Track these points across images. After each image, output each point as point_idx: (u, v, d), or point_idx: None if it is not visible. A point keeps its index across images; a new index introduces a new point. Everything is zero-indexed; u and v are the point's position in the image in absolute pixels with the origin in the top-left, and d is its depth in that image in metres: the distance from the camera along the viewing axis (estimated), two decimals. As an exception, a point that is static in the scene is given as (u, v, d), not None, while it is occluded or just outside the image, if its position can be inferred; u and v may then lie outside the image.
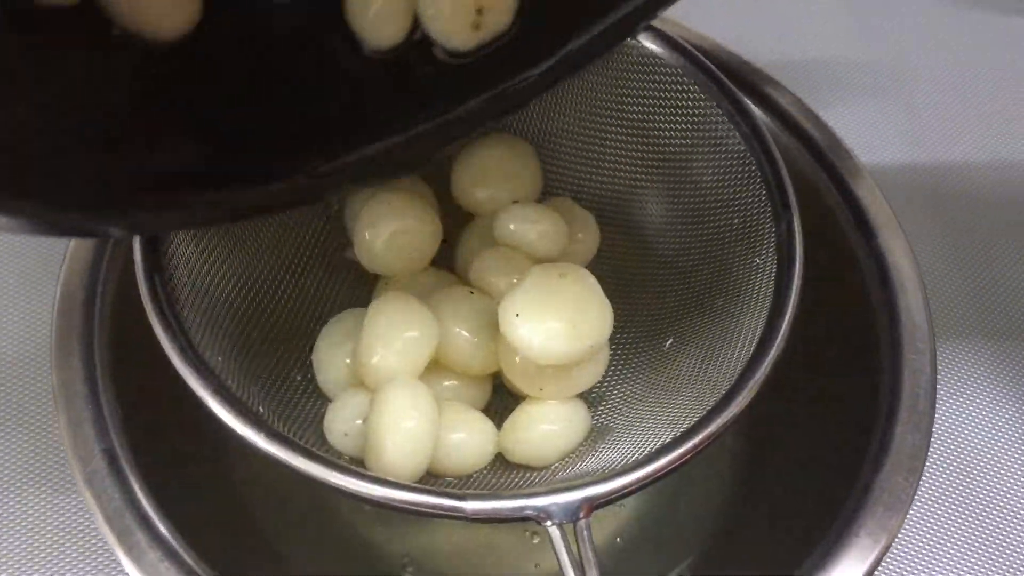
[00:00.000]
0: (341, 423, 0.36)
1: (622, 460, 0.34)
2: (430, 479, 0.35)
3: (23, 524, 0.41)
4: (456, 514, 0.29)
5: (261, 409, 0.34)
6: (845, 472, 0.36)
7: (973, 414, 0.48)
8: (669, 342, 0.40)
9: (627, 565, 0.42)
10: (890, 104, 0.60)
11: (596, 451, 0.36)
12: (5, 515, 0.41)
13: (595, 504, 0.30)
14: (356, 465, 0.36)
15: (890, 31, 0.64)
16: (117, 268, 0.37)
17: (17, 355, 0.46)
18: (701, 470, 0.43)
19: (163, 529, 0.32)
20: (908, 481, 0.35)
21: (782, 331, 0.34)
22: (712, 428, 0.32)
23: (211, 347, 0.34)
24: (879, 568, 0.34)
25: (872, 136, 0.58)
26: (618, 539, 0.43)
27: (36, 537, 0.41)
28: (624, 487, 0.30)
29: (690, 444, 0.31)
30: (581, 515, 0.30)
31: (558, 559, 0.29)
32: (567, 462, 0.36)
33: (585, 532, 0.29)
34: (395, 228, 0.38)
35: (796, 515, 0.38)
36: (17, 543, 0.41)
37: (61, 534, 0.41)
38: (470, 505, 0.29)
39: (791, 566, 0.34)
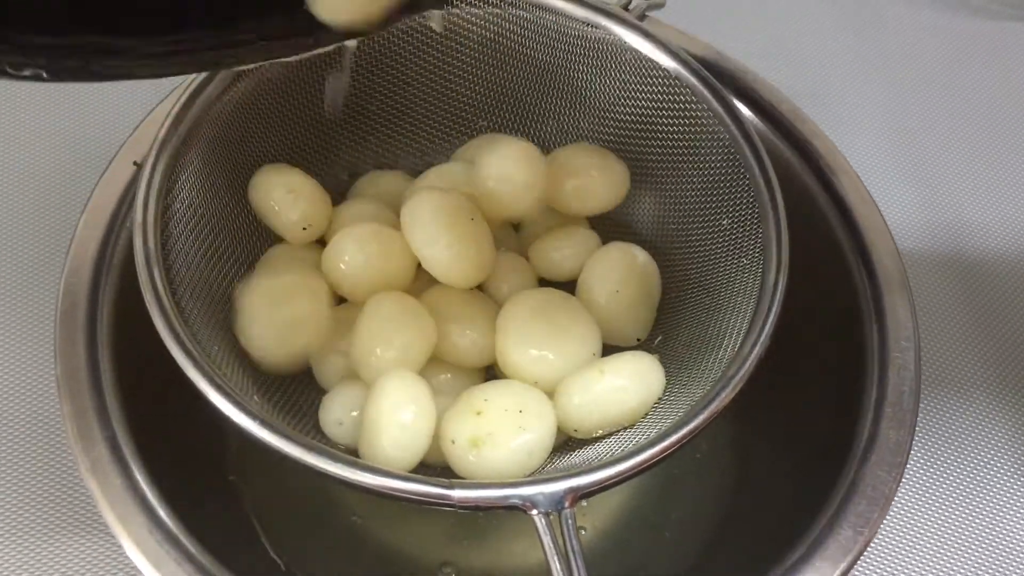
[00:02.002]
0: (336, 412, 0.37)
1: (608, 452, 0.35)
2: (423, 469, 0.36)
3: (27, 511, 0.42)
4: (444, 502, 0.30)
5: (256, 397, 0.35)
6: (830, 466, 0.37)
7: (957, 410, 0.49)
8: (658, 339, 0.41)
9: (615, 557, 0.42)
10: (883, 108, 0.61)
11: (583, 443, 0.37)
12: (8, 501, 0.43)
13: (579, 494, 0.31)
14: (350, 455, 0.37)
15: (887, 37, 0.64)
16: (120, 258, 0.38)
17: (20, 344, 0.47)
18: (688, 464, 0.44)
19: (164, 515, 0.33)
20: (891, 476, 0.35)
21: (767, 329, 0.35)
22: (696, 422, 0.32)
23: (209, 336, 0.35)
24: (861, 560, 0.34)
25: (861, 137, 0.59)
26: (607, 532, 0.43)
27: (40, 522, 0.42)
28: (608, 478, 0.31)
29: (674, 438, 0.32)
30: (566, 504, 0.30)
31: (543, 547, 0.30)
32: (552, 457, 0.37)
33: (569, 521, 0.30)
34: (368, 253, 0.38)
35: (781, 508, 0.39)
36: (21, 529, 0.42)
37: (64, 520, 0.42)
38: (457, 493, 0.30)
39: (776, 557, 0.35)
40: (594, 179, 0.42)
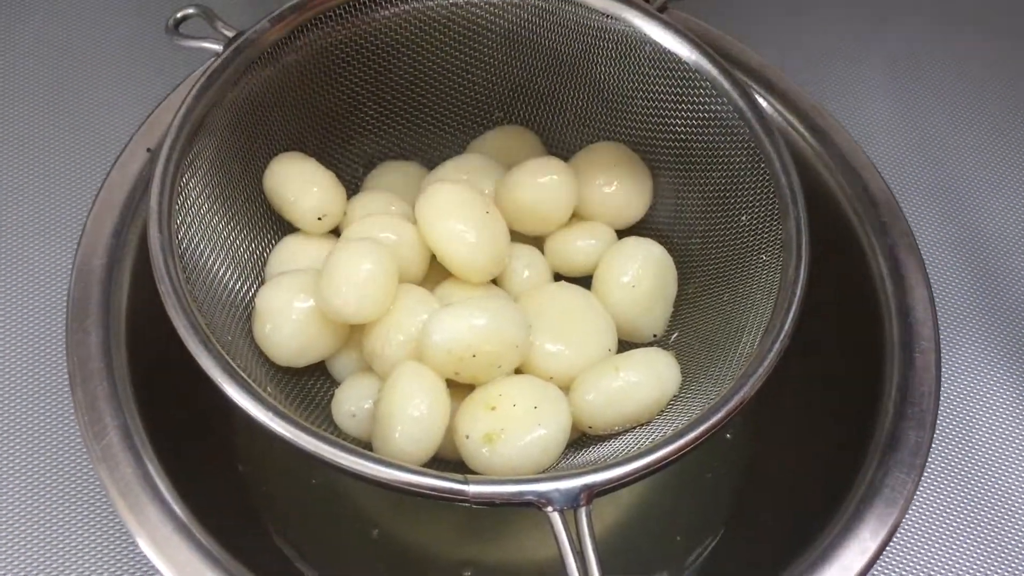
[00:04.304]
0: (349, 404, 0.37)
1: (623, 449, 0.35)
2: (436, 463, 0.36)
3: (37, 498, 0.42)
4: (458, 497, 0.30)
5: (270, 388, 0.35)
6: (848, 466, 0.36)
7: (977, 410, 0.48)
8: (674, 335, 0.41)
9: (630, 554, 0.42)
10: (901, 104, 0.60)
11: (598, 440, 0.36)
12: (20, 490, 0.42)
13: (595, 491, 0.30)
14: (362, 447, 0.36)
15: (902, 35, 0.64)
16: (134, 246, 0.38)
17: (31, 333, 0.47)
18: (704, 462, 0.44)
19: (174, 504, 0.33)
20: (910, 476, 0.35)
21: (786, 327, 0.34)
22: (713, 421, 0.32)
23: (223, 325, 0.35)
24: (880, 561, 0.34)
25: (882, 134, 0.58)
26: (621, 529, 0.43)
27: (50, 510, 0.42)
28: (624, 475, 0.31)
29: (690, 436, 0.32)
30: (581, 502, 0.30)
31: (558, 544, 0.29)
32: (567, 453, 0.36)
33: (585, 519, 0.30)
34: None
35: (798, 508, 0.39)
36: (32, 517, 0.42)
37: (74, 507, 0.42)
38: (472, 488, 0.30)
39: (793, 557, 0.34)
40: (619, 196, 0.42)
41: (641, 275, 0.39)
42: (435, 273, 0.39)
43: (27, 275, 0.48)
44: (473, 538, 0.43)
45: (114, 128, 0.53)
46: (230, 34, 0.38)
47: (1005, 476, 0.46)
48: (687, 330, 0.40)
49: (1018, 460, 0.47)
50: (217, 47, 0.38)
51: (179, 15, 0.40)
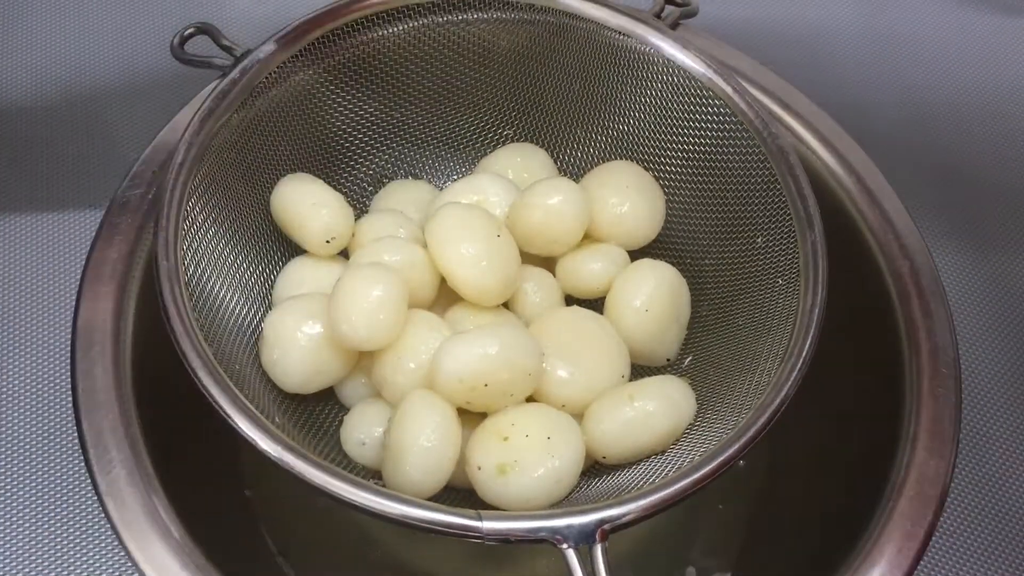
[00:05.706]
0: (359, 432, 0.36)
1: (638, 480, 0.34)
2: (447, 492, 0.35)
3: (43, 533, 0.42)
4: (472, 533, 0.29)
5: (278, 418, 0.34)
6: (867, 497, 0.35)
7: (998, 439, 0.47)
8: (688, 359, 0.40)
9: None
10: (916, 120, 0.59)
11: (612, 469, 0.36)
12: (24, 525, 0.42)
13: (610, 527, 0.30)
14: (371, 476, 0.36)
15: (915, 45, 0.63)
16: (139, 272, 0.37)
17: (37, 364, 0.46)
18: (717, 491, 0.43)
19: (181, 539, 0.32)
20: (930, 508, 0.34)
21: (804, 354, 0.33)
22: (730, 453, 0.31)
23: (231, 353, 0.35)
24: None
25: (898, 153, 0.58)
26: (631, 559, 0.42)
27: (56, 546, 0.41)
28: (639, 510, 0.30)
29: (707, 469, 0.31)
30: (597, 539, 0.29)
31: (573, 583, 0.29)
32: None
33: (600, 556, 0.29)
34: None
35: (815, 541, 0.38)
36: (38, 551, 0.41)
37: (81, 543, 0.41)
38: (486, 524, 0.29)
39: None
40: (631, 217, 0.40)
41: (653, 299, 0.38)
42: (444, 297, 0.39)
43: (36, 301, 0.48)
44: (482, 562, 0.43)
45: (119, 152, 0.53)
46: (236, 53, 0.38)
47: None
48: (701, 354, 0.40)
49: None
50: (225, 63, 0.38)
51: (185, 32, 0.39)
